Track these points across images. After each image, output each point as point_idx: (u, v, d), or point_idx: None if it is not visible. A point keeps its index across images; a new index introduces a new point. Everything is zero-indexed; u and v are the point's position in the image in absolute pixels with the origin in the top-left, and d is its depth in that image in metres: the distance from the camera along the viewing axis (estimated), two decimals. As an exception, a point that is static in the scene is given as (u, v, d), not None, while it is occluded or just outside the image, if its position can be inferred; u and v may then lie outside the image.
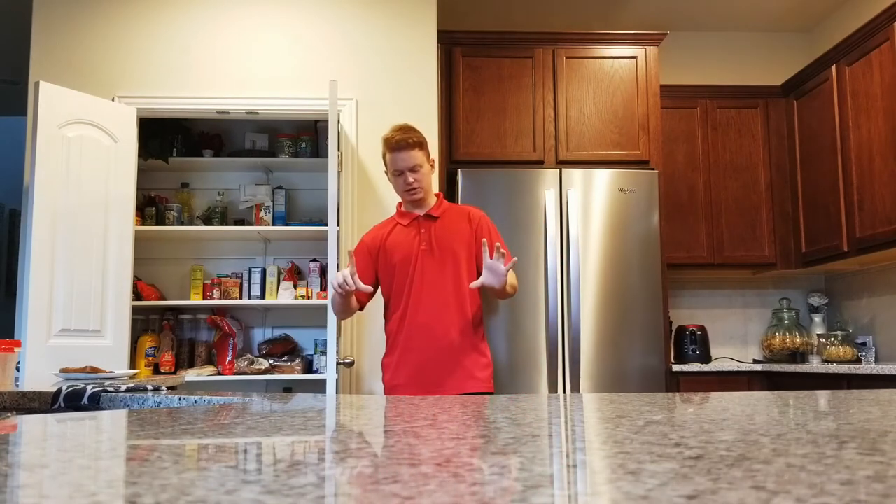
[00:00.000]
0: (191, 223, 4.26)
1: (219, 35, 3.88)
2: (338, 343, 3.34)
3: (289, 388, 4.23)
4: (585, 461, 0.55)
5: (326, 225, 3.29)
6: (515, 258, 2.52)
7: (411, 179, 2.65)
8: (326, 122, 4.08)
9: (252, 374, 3.97)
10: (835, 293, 4.66)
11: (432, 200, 2.75)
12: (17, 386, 2.20)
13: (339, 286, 2.47)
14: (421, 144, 2.67)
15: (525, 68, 4.01)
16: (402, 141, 2.64)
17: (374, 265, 2.71)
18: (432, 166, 2.75)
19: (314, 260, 4.23)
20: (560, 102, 3.98)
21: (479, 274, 2.61)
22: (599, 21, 4.86)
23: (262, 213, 4.23)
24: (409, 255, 2.66)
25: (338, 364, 3.32)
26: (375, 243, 2.72)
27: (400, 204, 2.79)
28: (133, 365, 3.91)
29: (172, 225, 4.18)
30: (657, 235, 3.76)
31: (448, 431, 0.76)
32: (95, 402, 1.63)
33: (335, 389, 3.29)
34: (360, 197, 3.79)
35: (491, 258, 2.49)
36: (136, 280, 4.00)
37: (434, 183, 3.81)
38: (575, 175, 3.77)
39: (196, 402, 1.50)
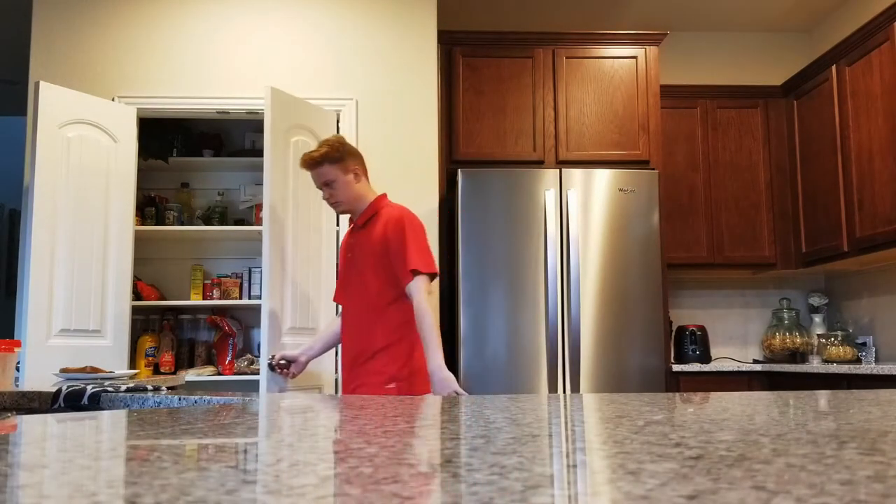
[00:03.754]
0: (191, 223, 4.26)
1: (219, 35, 3.88)
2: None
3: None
4: (585, 461, 0.55)
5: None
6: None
7: (326, 195, 2.59)
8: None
9: (252, 374, 3.97)
10: (835, 293, 4.65)
11: (361, 208, 2.61)
12: (17, 386, 2.20)
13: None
14: (323, 159, 2.53)
15: (525, 68, 4.01)
16: (302, 162, 2.57)
17: None
18: (356, 175, 2.58)
19: (314, 260, 4.22)
20: (560, 102, 3.98)
21: (395, 282, 2.49)
22: (599, 21, 4.86)
23: (262, 213, 4.22)
24: (341, 265, 2.72)
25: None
26: None
27: None
28: (133, 365, 3.91)
29: (172, 225, 4.17)
30: (657, 235, 3.76)
31: (448, 431, 0.76)
32: (95, 402, 1.63)
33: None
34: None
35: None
36: (136, 280, 4.00)
37: (436, 181, 3.81)
38: (575, 175, 3.77)
39: (196, 402, 1.50)
